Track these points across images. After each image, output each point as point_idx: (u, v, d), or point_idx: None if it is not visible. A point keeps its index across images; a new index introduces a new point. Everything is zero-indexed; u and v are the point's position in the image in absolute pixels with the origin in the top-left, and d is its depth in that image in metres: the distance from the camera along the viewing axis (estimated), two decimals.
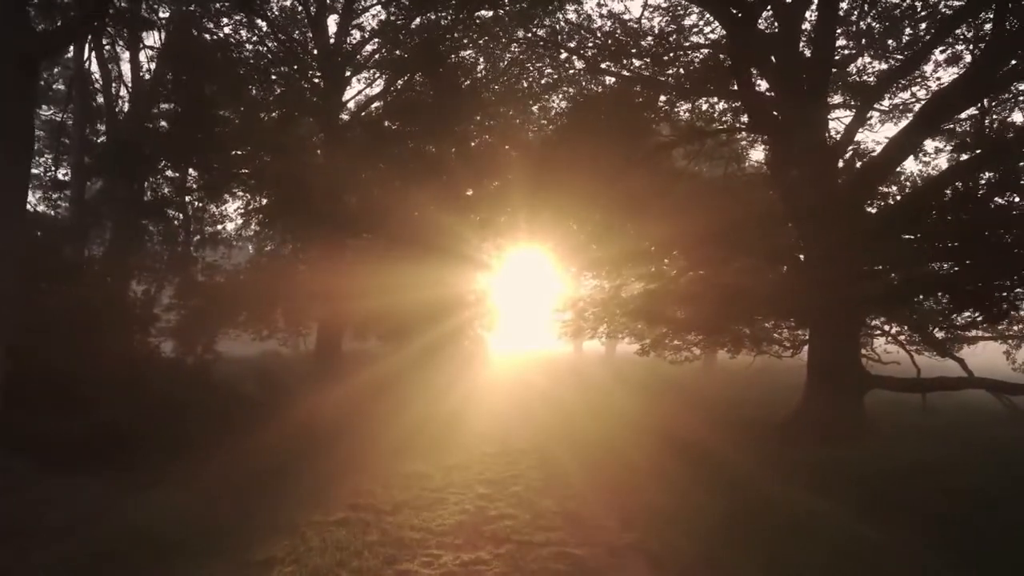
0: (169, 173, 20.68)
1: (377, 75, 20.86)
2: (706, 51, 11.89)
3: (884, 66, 13.14)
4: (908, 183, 12.54)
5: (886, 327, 14.17)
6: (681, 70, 11.95)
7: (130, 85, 17.94)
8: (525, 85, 19.16)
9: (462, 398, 15.23)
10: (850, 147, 12.01)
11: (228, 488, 6.64)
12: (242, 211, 23.50)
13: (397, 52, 18.31)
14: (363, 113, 20.69)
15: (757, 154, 21.41)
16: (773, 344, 16.08)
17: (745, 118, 12.12)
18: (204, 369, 11.10)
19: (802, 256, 11.72)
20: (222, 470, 7.21)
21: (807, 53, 11.31)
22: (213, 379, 10.93)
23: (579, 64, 15.56)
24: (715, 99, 12.54)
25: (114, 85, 17.83)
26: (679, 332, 12.67)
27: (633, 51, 13.75)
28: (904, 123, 12.12)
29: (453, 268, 20.85)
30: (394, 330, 21.88)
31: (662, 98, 11.70)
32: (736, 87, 10.93)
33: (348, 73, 20.33)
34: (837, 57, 11.97)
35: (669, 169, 13.49)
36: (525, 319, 34.51)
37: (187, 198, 24.36)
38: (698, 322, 11.66)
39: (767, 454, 9.13)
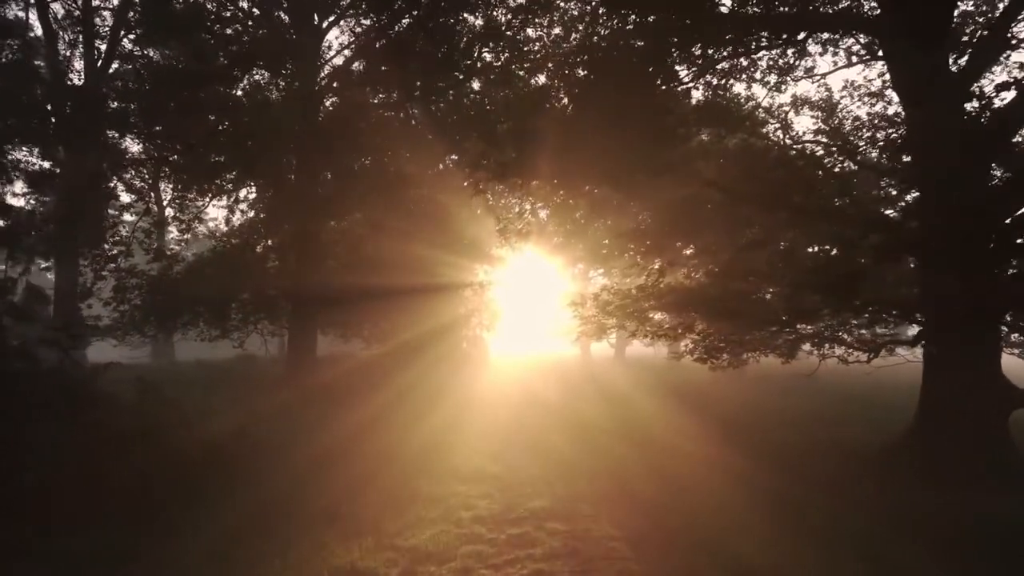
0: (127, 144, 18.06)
1: (357, 28, 17.79)
2: None
3: None
4: None
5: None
6: None
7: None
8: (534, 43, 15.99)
9: (452, 414, 11.83)
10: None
11: None
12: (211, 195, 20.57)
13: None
14: (352, 65, 17.60)
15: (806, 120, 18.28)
16: (838, 344, 12.87)
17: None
18: (85, 382, 7.86)
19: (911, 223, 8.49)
20: None
21: None
22: (96, 395, 7.68)
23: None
24: None
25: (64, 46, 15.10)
26: (763, 326, 9.32)
27: None
28: None
29: (447, 259, 17.89)
30: (377, 328, 18.96)
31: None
32: None
33: (324, 25, 17.36)
34: None
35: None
36: (529, 319, 31.73)
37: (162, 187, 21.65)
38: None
39: (902, 504, 5.97)
